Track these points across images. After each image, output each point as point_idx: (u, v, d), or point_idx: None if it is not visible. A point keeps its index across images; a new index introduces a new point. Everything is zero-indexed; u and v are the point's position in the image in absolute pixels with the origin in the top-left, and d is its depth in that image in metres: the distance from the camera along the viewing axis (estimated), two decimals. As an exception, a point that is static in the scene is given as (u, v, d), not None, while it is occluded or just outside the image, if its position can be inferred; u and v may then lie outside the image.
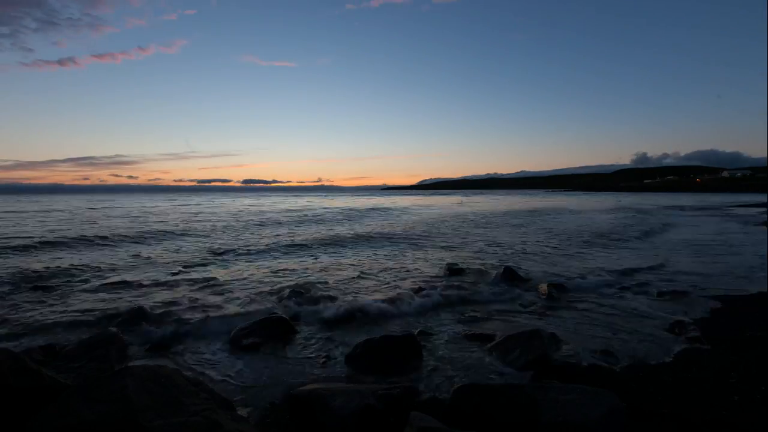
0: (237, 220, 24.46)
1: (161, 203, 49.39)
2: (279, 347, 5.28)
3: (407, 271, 10.07)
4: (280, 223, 23.14)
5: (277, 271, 9.95)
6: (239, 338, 5.41)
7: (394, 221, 25.14)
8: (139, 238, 15.74)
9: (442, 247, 13.98)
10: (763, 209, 32.90)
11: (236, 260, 11.50)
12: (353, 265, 10.81)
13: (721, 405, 3.67)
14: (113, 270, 9.91)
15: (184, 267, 10.37)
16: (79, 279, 8.87)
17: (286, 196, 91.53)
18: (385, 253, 12.86)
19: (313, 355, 5.07)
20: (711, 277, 9.20)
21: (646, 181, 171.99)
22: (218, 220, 24.30)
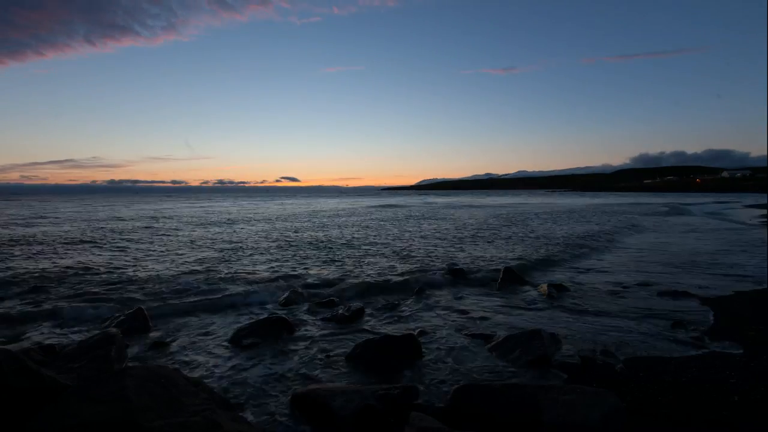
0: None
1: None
2: (279, 347, 5.28)
3: (408, 271, 10.07)
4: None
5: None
6: (239, 338, 5.41)
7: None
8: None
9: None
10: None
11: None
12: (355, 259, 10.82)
13: (721, 405, 3.67)
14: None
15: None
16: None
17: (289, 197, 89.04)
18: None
19: (313, 356, 5.06)
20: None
21: (646, 181, 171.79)
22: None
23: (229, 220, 26.37)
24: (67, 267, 10.05)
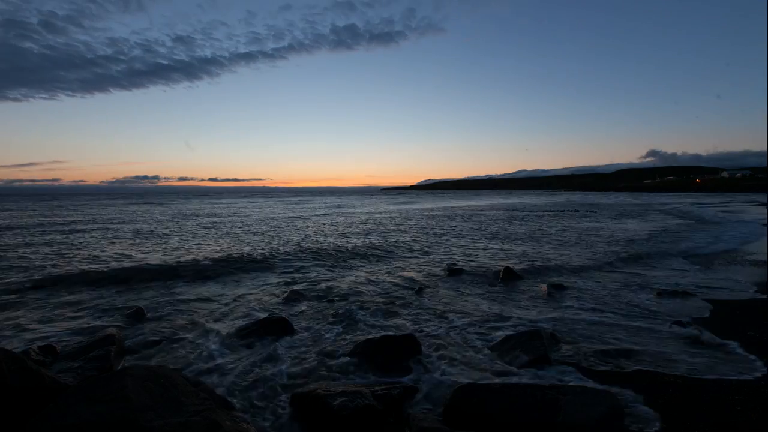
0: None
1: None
2: (279, 347, 5.28)
3: (408, 270, 10.06)
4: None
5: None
6: (240, 338, 5.41)
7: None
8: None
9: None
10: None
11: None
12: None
13: (722, 405, 3.67)
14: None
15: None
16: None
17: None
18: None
19: (313, 356, 5.06)
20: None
21: (645, 181, 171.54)
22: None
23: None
24: None
